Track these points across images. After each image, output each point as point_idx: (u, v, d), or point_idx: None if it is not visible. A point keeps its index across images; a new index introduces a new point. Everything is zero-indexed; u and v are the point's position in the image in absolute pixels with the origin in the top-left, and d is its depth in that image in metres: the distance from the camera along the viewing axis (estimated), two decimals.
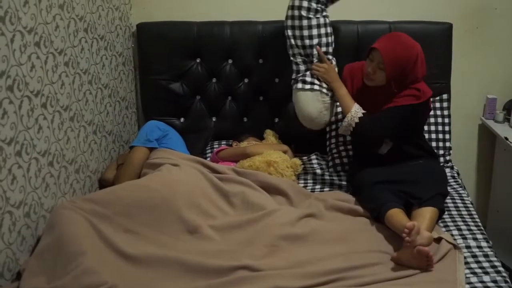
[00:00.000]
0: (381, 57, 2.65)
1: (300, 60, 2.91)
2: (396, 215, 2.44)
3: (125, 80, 3.40)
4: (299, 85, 2.89)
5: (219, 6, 3.47)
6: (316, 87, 2.87)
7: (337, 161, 3.14)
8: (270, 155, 2.88)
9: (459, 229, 2.54)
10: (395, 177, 2.68)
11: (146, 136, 2.92)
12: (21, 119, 2.20)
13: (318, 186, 3.01)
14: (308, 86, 2.87)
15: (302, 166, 2.95)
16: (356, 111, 2.75)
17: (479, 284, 2.15)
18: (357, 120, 2.73)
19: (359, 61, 2.98)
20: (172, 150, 2.89)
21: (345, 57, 3.35)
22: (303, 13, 2.84)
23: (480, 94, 3.53)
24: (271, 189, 2.73)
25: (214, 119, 3.51)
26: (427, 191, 2.57)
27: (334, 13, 3.38)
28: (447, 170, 3.07)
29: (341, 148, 3.23)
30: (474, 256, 2.34)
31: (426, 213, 2.47)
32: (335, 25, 3.32)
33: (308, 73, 2.89)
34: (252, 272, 2.16)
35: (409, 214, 2.49)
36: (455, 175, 3.10)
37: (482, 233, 2.52)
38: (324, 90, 2.88)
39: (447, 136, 3.22)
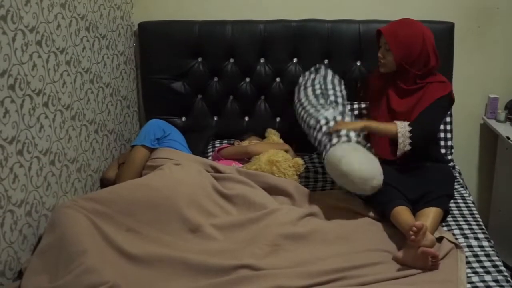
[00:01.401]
0: (385, 38, 2.70)
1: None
2: (403, 213, 2.43)
3: (127, 79, 3.40)
4: (334, 140, 2.58)
5: (221, 5, 3.47)
6: (353, 136, 2.58)
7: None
8: (274, 155, 2.88)
9: (461, 228, 2.54)
10: (404, 178, 2.67)
11: (147, 135, 2.92)
12: (23, 118, 2.20)
13: (319, 185, 3.01)
14: (345, 138, 2.57)
15: (304, 166, 2.94)
16: (402, 129, 2.61)
17: (481, 284, 2.14)
18: (409, 135, 2.60)
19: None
20: (174, 149, 2.89)
21: (347, 56, 3.36)
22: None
23: (482, 93, 3.53)
24: (275, 190, 2.73)
25: (215, 118, 3.51)
26: (433, 191, 2.55)
27: (336, 12, 3.40)
28: None
29: None
30: (476, 255, 2.34)
31: (430, 213, 2.46)
32: (336, 24, 3.34)
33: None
34: (254, 271, 2.16)
35: (414, 214, 2.48)
36: (457, 174, 3.10)
37: (483, 233, 2.52)
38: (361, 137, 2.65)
39: (448, 135, 3.22)
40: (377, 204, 2.59)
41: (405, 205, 2.48)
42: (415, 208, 2.51)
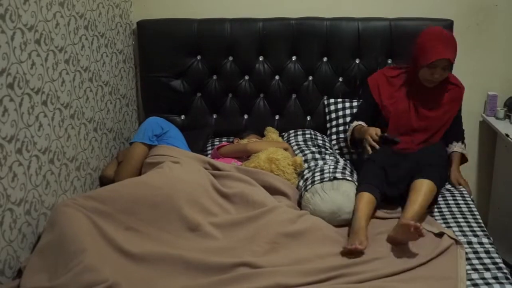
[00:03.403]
0: (450, 61, 2.77)
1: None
2: (363, 200, 2.54)
3: (126, 78, 3.40)
4: (339, 175, 2.71)
5: (219, 3, 3.47)
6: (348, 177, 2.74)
7: (337, 156, 3.15)
8: (273, 153, 2.88)
9: (460, 226, 2.54)
10: (400, 157, 2.78)
11: (146, 132, 2.92)
12: (22, 116, 2.20)
13: None
14: (349, 177, 2.74)
15: (305, 164, 2.93)
16: (463, 149, 3.03)
17: (480, 281, 2.15)
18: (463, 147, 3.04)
19: (376, 72, 3.12)
20: (173, 147, 2.88)
21: (346, 54, 3.36)
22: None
23: (481, 91, 3.53)
24: (272, 189, 2.73)
25: (214, 116, 3.51)
26: (427, 168, 2.65)
27: (335, 10, 3.39)
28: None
29: (342, 144, 3.24)
30: (476, 252, 2.34)
31: (421, 186, 2.57)
32: (336, 22, 3.34)
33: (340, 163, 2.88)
34: (253, 269, 2.16)
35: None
36: None
37: (483, 230, 2.52)
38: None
39: None
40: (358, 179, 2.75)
41: (373, 193, 2.56)
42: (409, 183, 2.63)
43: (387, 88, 2.98)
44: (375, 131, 2.72)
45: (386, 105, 2.94)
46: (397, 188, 2.67)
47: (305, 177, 2.78)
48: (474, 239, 2.43)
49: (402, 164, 2.73)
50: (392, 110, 2.92)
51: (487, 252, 2.34)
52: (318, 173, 2.72)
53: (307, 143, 3.11)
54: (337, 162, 2.84)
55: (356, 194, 2.60)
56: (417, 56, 2.80)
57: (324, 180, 2.65)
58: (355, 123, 2.99)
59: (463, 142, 3.05)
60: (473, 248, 2.37)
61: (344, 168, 2.76)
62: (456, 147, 3.00)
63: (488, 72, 3.50)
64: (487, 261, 2.28)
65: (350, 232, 2.46)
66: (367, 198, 2.55)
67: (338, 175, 2.67)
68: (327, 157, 2.90)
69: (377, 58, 3.34)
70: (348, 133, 3.01)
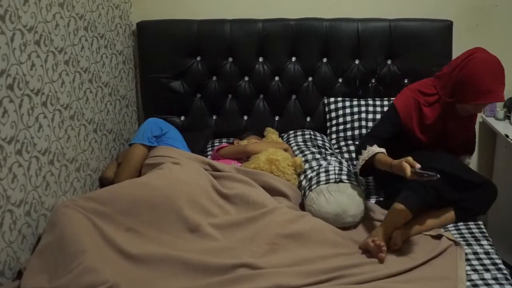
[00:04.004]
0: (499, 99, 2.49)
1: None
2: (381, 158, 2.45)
3: (125, 79, 3.40)
4: (345, 177, 2.66)
5: (219, 4, 3.47)
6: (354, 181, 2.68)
7: (338, 156, 3.15)
8: (273, 153, 2.88)
9: (458, 228, 2.55)
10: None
11: (145, 133, 2.92)
12: (21, 117, 2.20)
13: None
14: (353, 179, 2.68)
15: (305, 165, 2.93)
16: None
17: (480, 281, 2.15)
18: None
19: (406, 94, 2.71)
20: (173, 148, 2.88)
21: (345, 55, 3.37)
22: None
23: None
24: (272, 190, 2.73)
25: (214, 117, 3.51)
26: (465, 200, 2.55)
27: (335, 11, 3.40)
28: None
29: (342, 143, 3.25)
30: (475, 253, 2.34)
31: (443, 215, 2.52)
32: (335, 23, 3.34)
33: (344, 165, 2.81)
34: (253, 270, 2.16)
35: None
36: None
37: (482, 231, 2.52)
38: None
39: None
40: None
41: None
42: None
43: (419, 116, 2.67)
44: (410, 169, 2.26)
45: (417, 133, 2.68)
46: None
47: (309, 176, 2.77)
48: (473, 240, 2.44)
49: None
50: (423, 138, 2.69)
51: (486, 253, 2.34)
52: (324, 174, 2.70)
53: (307, 144, 3.11)
54: (341, 163, 2.83)
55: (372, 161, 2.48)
56: (469, 91, 2.46)
57: (330, 181, 2.64)
58: (376, 148, 2.53)
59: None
60: (473, 249, 2.37)
61: (349, 171, 2.75)
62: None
63: None
64: (486, 261, 2.28)
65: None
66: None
67: (344, 178, 2.65)
68: (328, 157, 2.90)
69: (376, 59, 3.35)
70: (364, 158, 2.55)
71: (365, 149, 2.55)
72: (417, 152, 2.48)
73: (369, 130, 2.82)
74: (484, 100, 2.46)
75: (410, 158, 2.27)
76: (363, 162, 2.54)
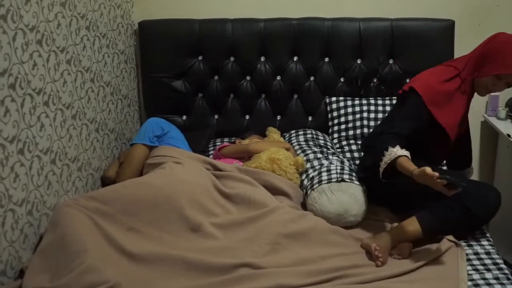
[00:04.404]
0: None
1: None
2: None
3: (127, 78, 3.40)
4: (347, 177, 2.66)
5: (221, 3, 3.47)
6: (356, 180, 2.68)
7: (340, 156, 3.15)
8: (275, 153, 2.88)
9: None
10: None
11: (146, 133, 2.92)
12: (23, 117, 2.20)
13: None
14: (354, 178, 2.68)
15: (306, 164, 2.93)
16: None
17: (481, 281, 2.15)
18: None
19: (427, 85, 2.53)
20: (173, 147, 2.89)
21: (347, 54, 3.36)
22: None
23: None
24: (273, 190, 2.73)
25: (216, 117, 3.51)
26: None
27: (336, 10, 3.40)
28: None
29: (344, 143, 3.25)
30: (476, 253, 2.35)
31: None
32: (337, 22, 3.34)
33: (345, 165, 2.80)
34: (254, 270, 2.16)
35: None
36: None
37: (482, 231, 2.52)
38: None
39: None
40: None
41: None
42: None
43: (445, 106, 2.53)
44: (435, 177, 2.13)
45: (446, 126, 2.52)
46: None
47: (311, 175, 2.76)
48: (473, 240, 2.44)
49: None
50: (447, 128, 2.54)
51: (487, 253, 2.35)
52: (325, 173, 2.70)
53: (309, 143, 3.11)
54: (342, 162, 2.83)
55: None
56: (491, 61, 2.44)
57: (332, 180, 2.64)
58: (398, 150, 2.33)
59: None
60: (474, 249, 2.38)
61: (351, 170, 2.75)
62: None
63: None
64: (487, 261, 2.28)
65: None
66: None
67: (346, 177, 2.65)
68: (330, 156, 2.90)
69: (378, 58, 3.34)
70: (386, 161, 2.33)
71: (386, 150, 2.34)
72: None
73: (389, 126, 2.55)
74: (502, 71, 2.43)
75: (429, 168, 2.15)
76: (385, 165, 2.32)
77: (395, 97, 2.97)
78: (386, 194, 2.61)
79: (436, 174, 2.11)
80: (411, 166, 2.24)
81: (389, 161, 2.31)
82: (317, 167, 2.79)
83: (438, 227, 2.39)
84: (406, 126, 2.48)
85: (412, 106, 2.52)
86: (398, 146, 2.34)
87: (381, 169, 2.35)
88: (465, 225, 2.44)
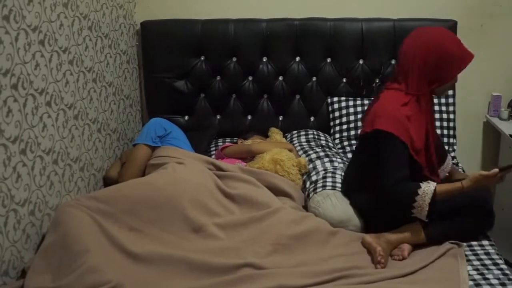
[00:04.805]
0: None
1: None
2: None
3: (129, 78, 3.40)
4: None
5: (223, 4, 3.47)
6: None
7: (343, 157, 3.15)
8: (278, 153, 2.88)
9: None
10: None
11: (149, 133, 2.92)
12: (26, 117, 2.20)
13: None
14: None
15: (309, 165, 2.93)
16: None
17: (482, 281, 2.14)
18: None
19: (392, 118, 2.35)
20: (176, 147, 2.89)
21: (350, 55, 3.36)
22: None
23: (484, 91, 3.53)
24: (276, 190, 2.73)
25: (218, 117, 3.51)
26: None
27: (339, 10, 3.40)
28: None
29: (345, 143, 3.25)
30: (476, 254, 2.34)
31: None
32: (339, 22, 3.34)
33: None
34: (257, 270, 2.16)
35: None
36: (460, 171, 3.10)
37: (483, 232, 2.52)
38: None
39: (451, 133, 3.22)
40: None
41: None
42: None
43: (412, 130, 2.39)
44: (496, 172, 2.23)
45: (416, 157, 2.40)
46: None
47: (313, 179, 2.76)
48: (474, 241, 2.43)
49: None
50: (423, 162, 2.44)
51: (487, 253, 2.35)
52: (330, 179, 2.69)
53: (310, 144, 3.11)
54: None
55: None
56: (447, 64, 2.37)
57: (336, 188, 2.63)
58: (428, 186, 2.29)
59: None
60: (473, 250, 2.38)
61: None
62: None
63: (492, 73, 3.49)
64: (488, 262, 2.28)
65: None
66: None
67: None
68: (333, 158, 2.89)
69: (380, 59, 3.34)
70: (428, 202, 2.27)
71: (415, 194, 2.27)
72: None
73: (388, 177, 2.34)
74: (465, 65, 2.40)
75: (484, 172, 2.25)
76: (427, 207, 2.27)
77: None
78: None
79: (496, 170, 2.22)
80: (454, 186, 2.32)
81: (430, 200, 2.26)
82: (320, 171, 2.79)
83: (442, 235, 2.39)
84: (402, 170, 2.34)
85: (393, 151, 2.35)
86: (420, 183, 2.30)
87: (424, 213, 2.29)
88: (471, 232, 2.46)
